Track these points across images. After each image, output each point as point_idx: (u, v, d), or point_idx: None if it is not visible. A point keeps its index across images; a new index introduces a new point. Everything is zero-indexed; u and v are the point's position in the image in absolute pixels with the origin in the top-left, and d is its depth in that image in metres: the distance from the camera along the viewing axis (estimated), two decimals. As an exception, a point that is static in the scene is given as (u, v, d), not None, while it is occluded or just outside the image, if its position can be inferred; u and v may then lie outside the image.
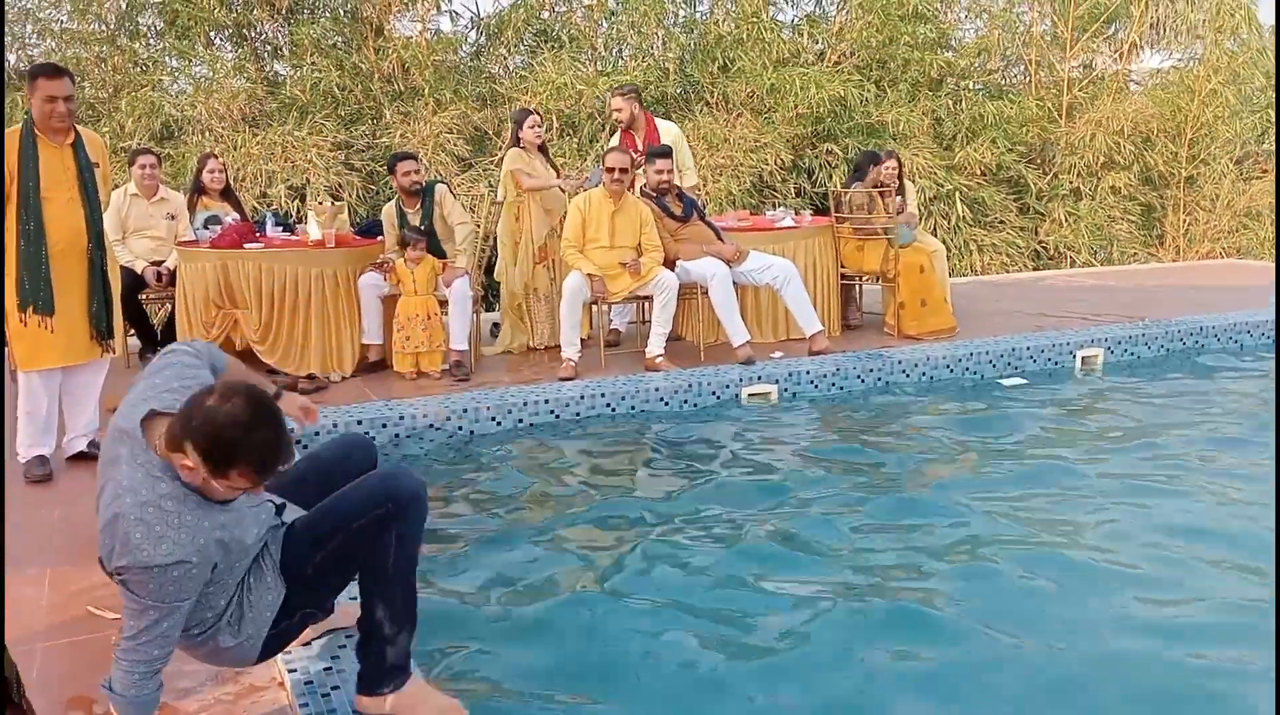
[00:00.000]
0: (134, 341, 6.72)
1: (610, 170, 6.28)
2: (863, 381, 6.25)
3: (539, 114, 6.85)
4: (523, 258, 6.74)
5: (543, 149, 6.87)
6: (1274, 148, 12.20)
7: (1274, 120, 12.63)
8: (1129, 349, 6.96)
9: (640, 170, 6.77)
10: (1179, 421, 5.53)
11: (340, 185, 10.12)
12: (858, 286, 7.60)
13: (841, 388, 6.19)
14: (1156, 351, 7.03)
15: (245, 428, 2.13)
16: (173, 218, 6.72)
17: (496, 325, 7.19)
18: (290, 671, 2.63)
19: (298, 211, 9.39)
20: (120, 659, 2.25)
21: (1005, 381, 6.43)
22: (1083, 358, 6.77)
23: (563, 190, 6.74)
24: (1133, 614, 3.37)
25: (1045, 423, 5.54)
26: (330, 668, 2.66)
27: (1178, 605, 3.44)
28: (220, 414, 2.13)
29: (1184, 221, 13.28)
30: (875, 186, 7.18)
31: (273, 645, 2.49)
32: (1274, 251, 10.46)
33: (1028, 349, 6.66)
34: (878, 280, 7.31)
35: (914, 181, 10.41)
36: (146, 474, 2.20)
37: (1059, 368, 6.69)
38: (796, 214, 7.88)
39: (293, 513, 2.53)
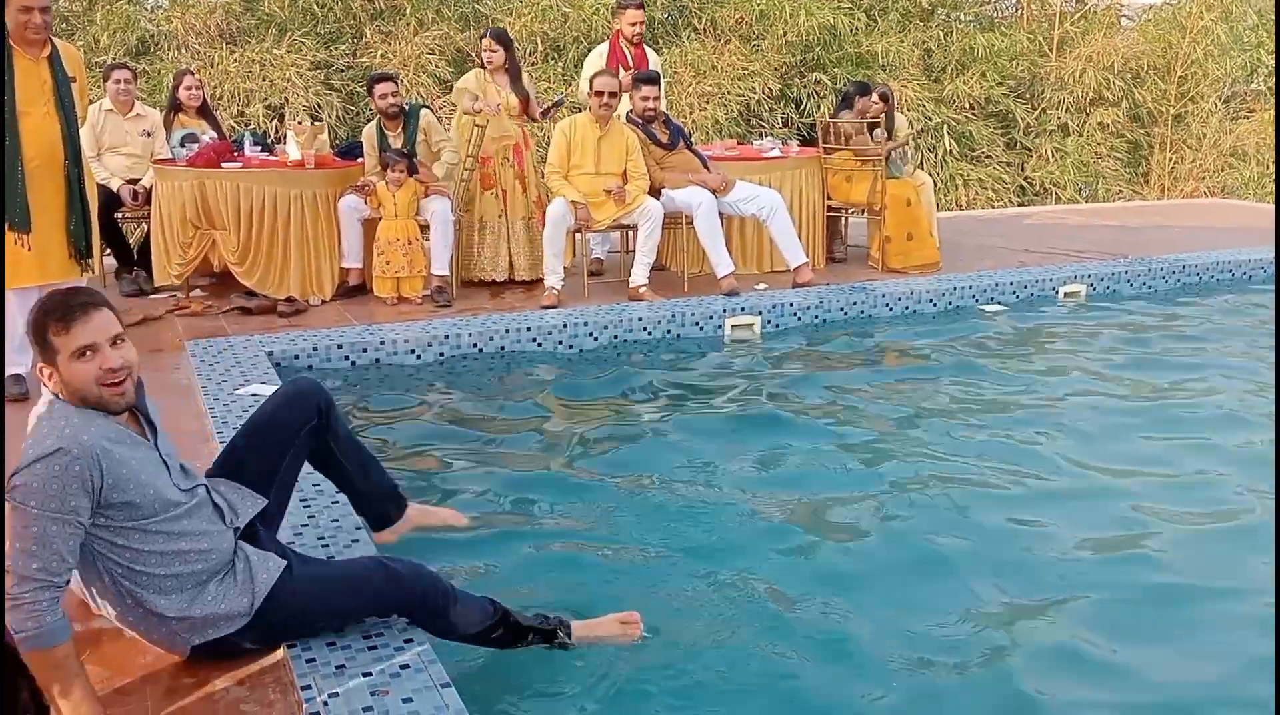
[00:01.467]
0: (110, 261, 6.62)
1: (599, 94, 6.16)
2: (845, 314, 6.24)
3: (501, 39, 6.53)
4: (463, 186, 6.41)
5: (512, 73, 6.57)
6: (1274, 115, 12.10)
7: (1274, 90, 12.44)
8: (1111, 286, 6.96)
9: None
10: (1158, 351, 5.57)
11: (319, 105, 9.92)
12: (844, 219, 7.55)
13: (824, 320, 6.18)
14: (1139, 289, 7.04)
15: (34, 308, 2.27)
16: (149, 135, 6.58)
17: None
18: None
19: (276, 131, 9.20)
20: (12, 595, 2.10)
21: (985, 307, 6.42)
22: (1065, 293, 6.77)
23: (474, 112, 6.33)
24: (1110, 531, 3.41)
25: (1026, 353, 5.56)
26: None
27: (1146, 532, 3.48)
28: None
29: (1170, 160, 13.23)
30: (863, 117, 7.10)
31: (208, 649, 2.45)
32: (1274, 200, 10.44)
33: (1010, 284, 6.65)
34: (863, 213, 7.27)
35: (904, 113, 10.29)
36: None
37: (1042, 302, 6.69)
38: (784, 144, 7.79)
39: (265, 538, 2.56)
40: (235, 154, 6.32)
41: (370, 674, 2.40)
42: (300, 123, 6.69)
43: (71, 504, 2.15)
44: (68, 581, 2.20)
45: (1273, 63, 13.26)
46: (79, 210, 4.38)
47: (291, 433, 2.72)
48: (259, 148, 6.51)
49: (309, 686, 2.36)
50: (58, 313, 2.20)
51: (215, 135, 6.72)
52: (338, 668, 2.43)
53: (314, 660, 2.46)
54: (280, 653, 2.53)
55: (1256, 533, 3.46)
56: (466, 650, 2.65)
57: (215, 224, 5.97)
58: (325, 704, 2.30)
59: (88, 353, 2.20)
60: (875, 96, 7.33)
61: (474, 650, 2.66)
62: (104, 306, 2.25)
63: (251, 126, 9.27)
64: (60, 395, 2.25)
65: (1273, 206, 11.48)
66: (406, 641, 2.53)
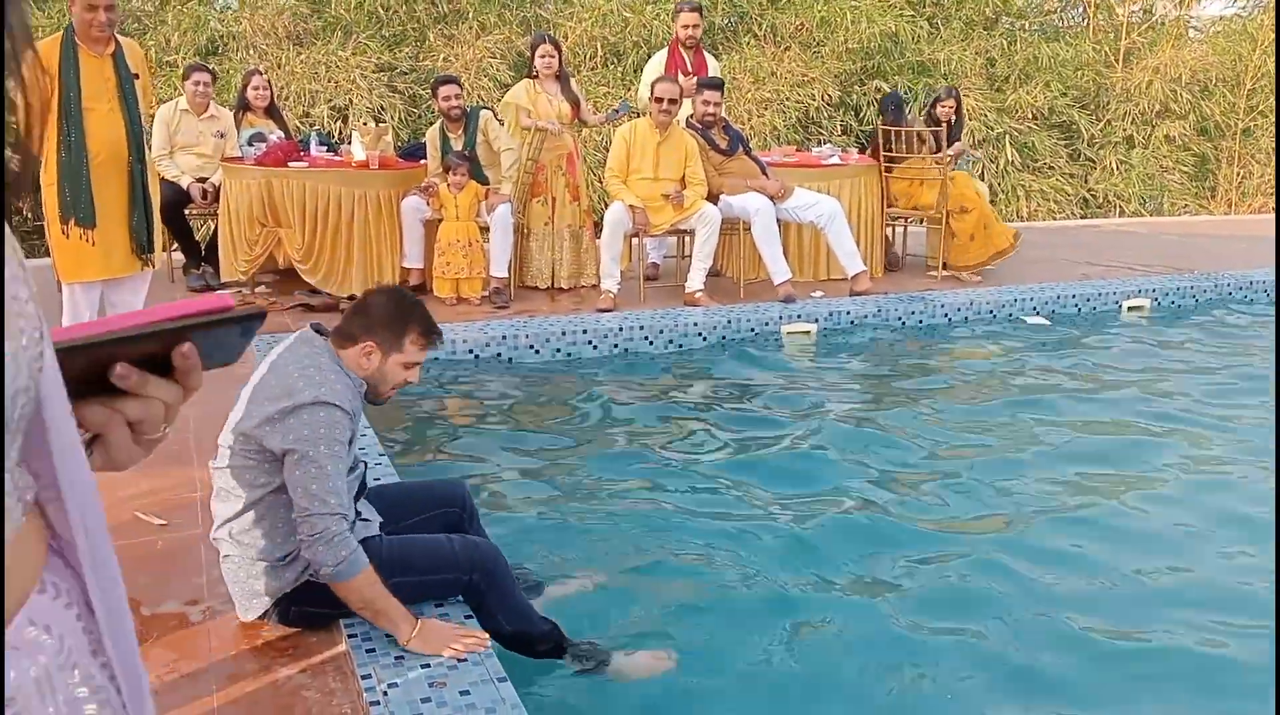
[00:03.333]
0: (179, 256, 6.77)
1: (659, 100, 6.19)
2: (904, 323, 6.20)
3: (553, 41, 6.55)
4: (518, 191, 6.44)
5: (563, 79, 6.60)
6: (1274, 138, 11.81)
7: (1275, 111, 12.13)
8: (1175, 300, 6.85)
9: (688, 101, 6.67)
10: (1216, 368, 5.47)
11: (382, 107, 10.05)
12: (903, 228, 7.50)
13: (883, 329, 6.15)
14: (1204, 304, 6.91)
15: (401, 302, 2.56)
16: (222, 136, 6.71)
17: None
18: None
19: (340, 132, 9.35)
20: (311, 539, 2.34)
21: (1027, 318, 6.34)
22: (1128, 307, 6.67)
23: (539, 130, 6.37)
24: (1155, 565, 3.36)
25: (1086, 369, 5.49)
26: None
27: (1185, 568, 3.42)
28: (383, 295, 2.57)
29: (1238, 174, 12.98)
30: (925, 124, 7.06)
31: (277, 615, 2.58)
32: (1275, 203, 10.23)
33: (1073, 297, 6.57)
34: (922, 222, 7.22)
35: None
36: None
37: (1105, 316, 6.59)
38: (843, 152, 7.76)
39: (370, 514, 2.67)
40: (301, 154, 6.43)
41: (429, 665, 2.44)
42: (366, 124, 6.79)
43: (341, 452, 2.40)
44: (352, 520, 2.43)
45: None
46: (142, 206, 4.46)
47: (432, 502, 2.81)
48: (324, 148, 6.62)
49: (369, 675, 2.40)
50: (428, 329, 2.56)
51: (282, 135, 6.84)
52: (397, 658, 2.47)
53: (374, 650, 2.50)
54: (342, 644, 2.57)
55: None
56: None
57: (281, 222, 6.08)
58: (385, 693, 2.33)
59: (413, 367, 2.57)
60: (944, 95, 7.27)
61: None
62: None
63: (316, 127, 9.42)
64: (345, 363, 2.50)
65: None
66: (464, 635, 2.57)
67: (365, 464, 2.75)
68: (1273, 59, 12.62)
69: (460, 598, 2.67)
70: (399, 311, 2.52)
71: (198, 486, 3.50)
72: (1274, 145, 11.48)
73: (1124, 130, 12.41)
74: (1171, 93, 12.30)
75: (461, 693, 2.34)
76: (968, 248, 6.97)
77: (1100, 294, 6.65)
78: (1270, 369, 5.46)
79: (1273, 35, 12.52)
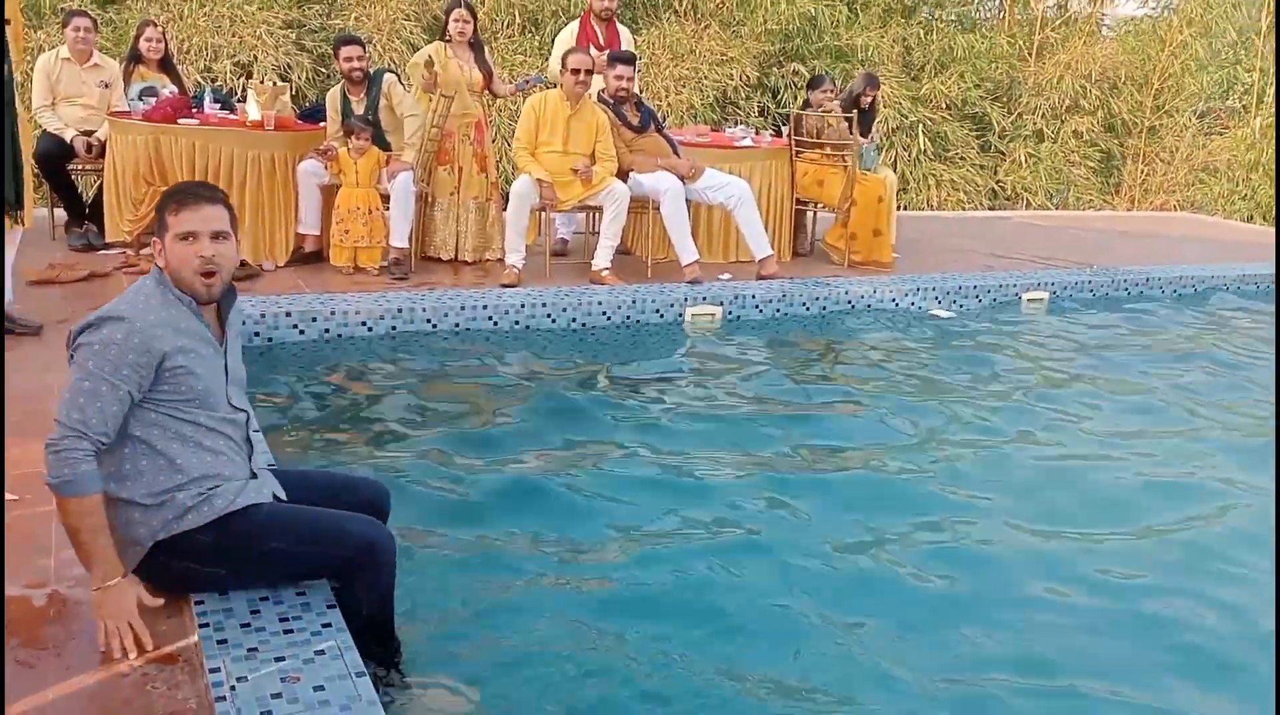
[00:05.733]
0: (61, 213, 6.44)
1: (575, 71, 6.04)
2: (808, 309, 6.19)
3: (469, 6, 6.34)
4: (422, 158, 6.21)
5: (477, 47, 6.43)
6: (1274, 135, 12.08)
7: (1274, 113, 12.42)
8: (1074, 294, 6.95)
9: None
10: (1112, 364, 5.56)
11: (289, 66, 9.71)
12: (811, 213, 7.50)
13: (786, 314, 6.12)
14: (1101, 298, 7.04)
15: (165, 191, 2.57)
16: (106, 86, 6.39)
17: None
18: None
19: (242, 90, 9.01)
20: (47, 446, 2.27)
21: (934, 310, 6.38)
22: (1029, 299, 6.76)
23: (431, 87, 6.17)
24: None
25: (979, 360, 5.54)
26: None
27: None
28: None
29: (1142, 171, 13.29)
30: (822, 110, 7.04)
31: (154, 572, 2.46)
32: (1274, 221, 10.39)
33: (974, 287, 6.63)
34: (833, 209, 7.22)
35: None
36: None
37: (1004, 307, 6.66)
38: (757, 134, 7.71)
39: (267, 479, 2.57)
40: (194, 110, 6.16)
41: (283, 659, 2.32)
42: (262, 82, 6.52)
43: (124, 372, 2.31)
44: (103, 444, 2.33)
45: (1249, 79, 13.35)
46: (10, 160, 4.18)
47: (355, 503, 2.63)
48: (219, 105, 6.35)
49: (217, 669, 2.27)
50: (177, 195, 2.45)
51: (176, 90, 6.54)
52: (250, 650, 2.34)
53: (225, 641, 2.37)
54: (194, 636, 2.43)
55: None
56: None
57: (169, 181, 5.78)
58: (233, 688, 2.21)
59: (190, 238, 2.39)
60: (864, 82, 7.26)
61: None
62: (219, 203, 2.46)
63: (217, 83, 9.07)
64: (163, 271, 2.44)
65: (1240, 222, 11.57)
66: (324, 626, 2.45)
67: (249, 414, 2.59)
68: (1179, 61, 12.92)
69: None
70: (161, 198, 2.51)
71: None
72: (1275, 152, 11.60)
73: (1034, 124, 12.61)
74: (1081, 89, 12.53)
75: (316, 688, 2.23)
76: (870, 242, 6.99)
77: (1001, 286, 6.72)
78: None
79: (1180, 39, 12.82)
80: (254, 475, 2.54)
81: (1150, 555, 3.45)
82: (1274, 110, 12.27)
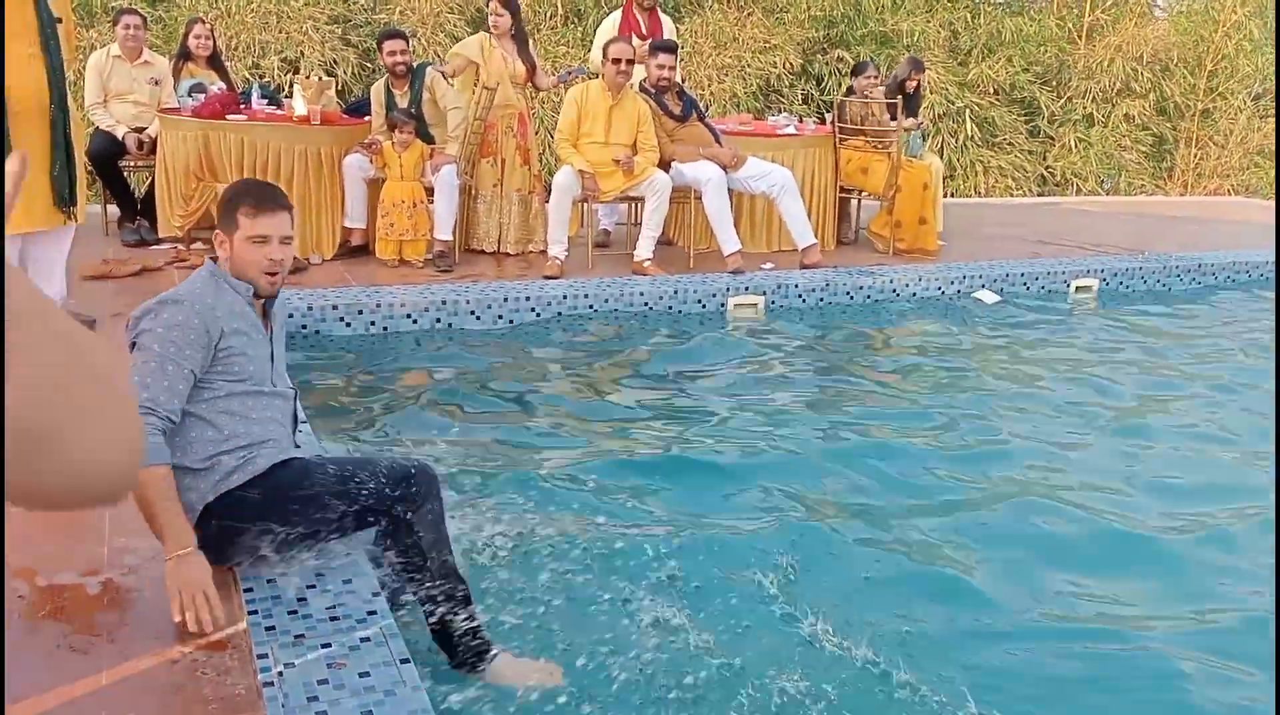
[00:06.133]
0: (114, 209, 6.57)
1: (616, 61, 6.03)
2: (852, 298, 6.15)
3: (505, 1, 6.29)
4: (466, 151, 6.26)
5: (520, 39, 6.44)
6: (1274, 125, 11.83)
7: (1275, 109, 12.16)
8: (1124, 281, 6.84)
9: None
10: (1165, 352, 5.47)
11: (335, 61, 9.82)
12: (856, 201, 7.44)
13: (830, 303, 6.09)
14: (1153, 285, 6.92)
15: (234, 186, 2.66)
16: (156, 83, 6.50)
17: None
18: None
19: (289, 85, 9.12)
20: None
21: (979, 294, 6.30)
22: (1077, 287, 6.66)
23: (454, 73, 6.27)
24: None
25: (1028, 346, 5.47)
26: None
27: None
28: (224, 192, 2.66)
29: (1195, 155, 13.03)
30: (865, 96, 6.98)
31: (207, 540, 2.48)
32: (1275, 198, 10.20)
33: (1021, 275, 6.54)
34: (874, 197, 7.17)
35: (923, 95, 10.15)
36: None
37: (1053, 296, 6.57)
38: (800, 122, 7.66)
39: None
40: (241, 106, 6.24)
41: (329, 645, 2.35)
42: (308, 77, 6.60)
43: (187, 352, 2.43)
44: (171, 422, 2.44)
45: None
46: (64, 156, 4.27)
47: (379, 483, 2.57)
48: (266, 100, 6.43)
49: (265, 655, 2.32)
50: (254, 198, 2.56)
51: (224, 86, 6.64)
52: (297, 637, 2.38)
53: (273, 629, 2.41)
54: (242, 622, 2.48)
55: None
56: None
57: (218, 176, 5.90)
58: (280, 674, 2.25)
59: (262, 241, 2.53)
60: (910, 66, 7.19)
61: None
62: (289, 209, 2.62)
63: (265, 79, 9.19)
64: (222, 264, 2.57)
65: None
66: (370, 614, 2.48)
67: (296, 392, 2.73)
68: (1233, 42, 12.65)
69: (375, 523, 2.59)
70: (231, 194, 2.60)
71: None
72: (1277, 140, 11.42)
73: (1084, 108, 12.41)
74: (1133, 71, 12.30)
75: (361, 674, 2.26)
76: (916, 230, 6.93)
77: (1050, 273, 6.63)
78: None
79: (1234, 19, 12.54)
80: (297, 446, 2.67)
81: (1194, 550, 3.39)
82: (1274, 106, 11.94)
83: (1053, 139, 12.39)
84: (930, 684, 2.59)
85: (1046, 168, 12.24)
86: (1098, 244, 7.66)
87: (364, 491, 2.54)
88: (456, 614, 2.55)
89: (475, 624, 2.57)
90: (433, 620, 2.55)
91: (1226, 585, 3.16)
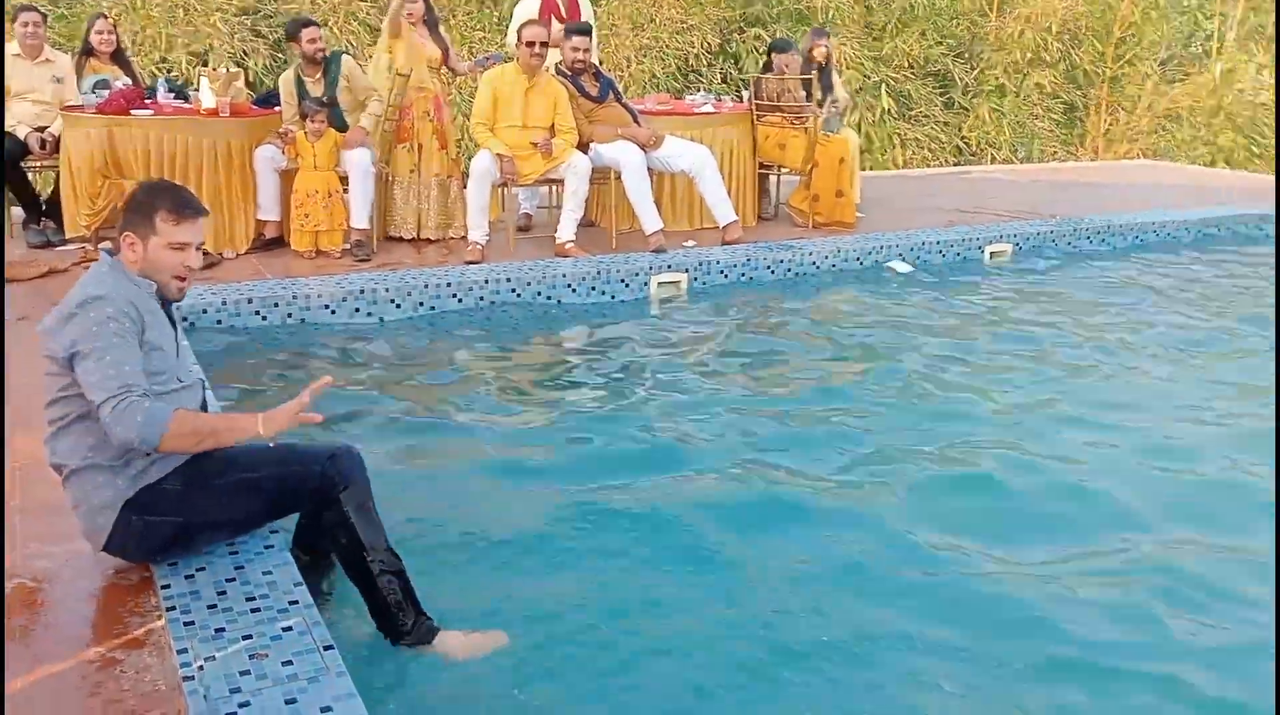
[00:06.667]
0: (18, 211, 6.38)
1: (529, 44, 6.01)
2: (773, 272, 6.20)
3: None
4: (381, 137, 6.20)
5: (431, 24, 6.41)
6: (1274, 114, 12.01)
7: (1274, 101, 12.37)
8: (1037, 245, 7.00)
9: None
10: (1076, 311, 5.62)
11: (245, 53, 9.64)
12: (775, 177, 7.51)
13: (752, 278, 6.14)
14: (1065, 248, 7.08)
15: (149, 188, 2.57)
16: (59, 81, 6.31)
17: None
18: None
19: (198, 79, 8.93)
20: (109, 424, 2.34)
21: (892, 263, 6.39)
22: (991, 253, 6.80)
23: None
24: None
25: (944, 312, 5.58)
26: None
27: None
28: (134, 189, 2.59)
29: (1105, 122, 13.34)
30: (782, 74, 7.04)
31: (128, 537, 2.50)
32: (1275, 169, 10.38)
33: (937, 243, 6.66)
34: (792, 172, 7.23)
35: (840, 72, 10.25)
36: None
37: (969, 262, 6.70)
38: (717, 100, 7.70)
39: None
40: (147, 101, 6.10)
41: (250, 636, 2.34)
42: (215, 69, 6.47)
43: (130, 340, 2.40)
44: (149, 395, 2.39)
45: (1210, 26, 13.41)
46: None
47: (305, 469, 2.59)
48: (173, 94, 6.29)
49: (185, 650, 2.29)
50: (174, 203, 2.51)
51: (129, 82, 6.47)
52: (217, 630, 2.36)
53: (193, 623, 2.39)
54: (161, 619, 2.45)
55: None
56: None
57: (125, 173, 5.76)
58: (201, 668, 2.23)
59: (181, 248, 2.51)
60: (812, 35, 7.27)
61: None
62: (206, 215, 2.60)
63: (173, 73, 8.99)
64: (124, 263, 2.51)
65: (1203, 168, 11.64)
66: (291, 603, 2.47)
67: (204, 382, 2.74)
68: (1139, 9, 12.94)
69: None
70: (147, 196, 2.53)
71: (16, 458, 3.29)
72: (1275, 140, 11.51)
73: (996, 79, 12.62)
74: (1043, 41, 12.54)
75: (284, 663, 2.25)
76: (834, 203, 7.02)
77: (964, 240, 6.76)
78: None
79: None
80: None
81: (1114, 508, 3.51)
82: (1274, 96, 12.19)
83: (967, 110, 12.59)
84: (864, 646, 2.65)
85: (962, 138, 12.45)
86: (1011, 210, 7.82)
87: (289, 475, 2.55)
88: (394, 590, 2.56)
89: (415, 599, 2.59)
90: (370, 598, 2.57)
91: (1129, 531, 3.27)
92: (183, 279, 2.55)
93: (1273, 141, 12.53)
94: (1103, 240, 7.24)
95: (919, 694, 2.49)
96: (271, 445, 2.57)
